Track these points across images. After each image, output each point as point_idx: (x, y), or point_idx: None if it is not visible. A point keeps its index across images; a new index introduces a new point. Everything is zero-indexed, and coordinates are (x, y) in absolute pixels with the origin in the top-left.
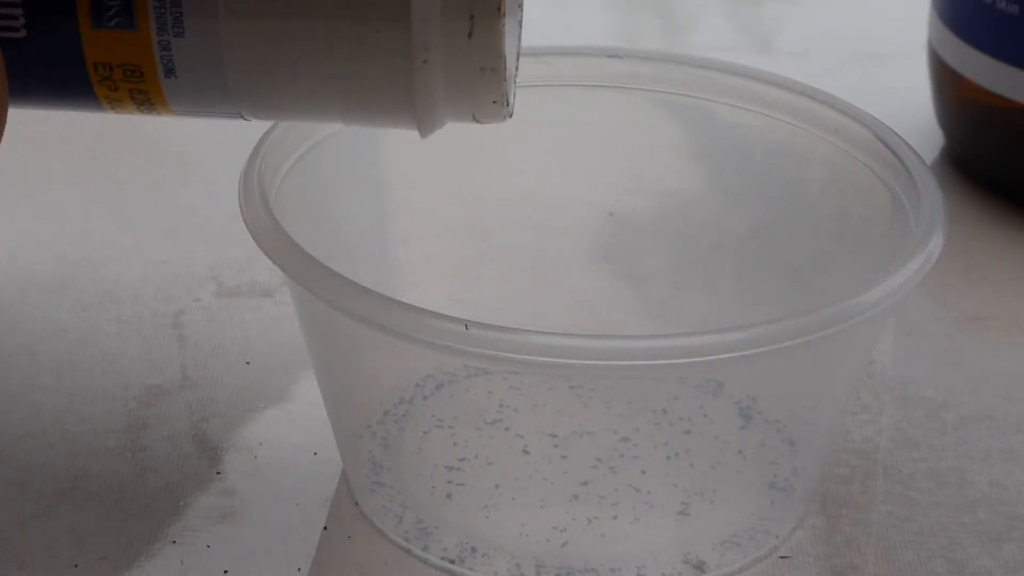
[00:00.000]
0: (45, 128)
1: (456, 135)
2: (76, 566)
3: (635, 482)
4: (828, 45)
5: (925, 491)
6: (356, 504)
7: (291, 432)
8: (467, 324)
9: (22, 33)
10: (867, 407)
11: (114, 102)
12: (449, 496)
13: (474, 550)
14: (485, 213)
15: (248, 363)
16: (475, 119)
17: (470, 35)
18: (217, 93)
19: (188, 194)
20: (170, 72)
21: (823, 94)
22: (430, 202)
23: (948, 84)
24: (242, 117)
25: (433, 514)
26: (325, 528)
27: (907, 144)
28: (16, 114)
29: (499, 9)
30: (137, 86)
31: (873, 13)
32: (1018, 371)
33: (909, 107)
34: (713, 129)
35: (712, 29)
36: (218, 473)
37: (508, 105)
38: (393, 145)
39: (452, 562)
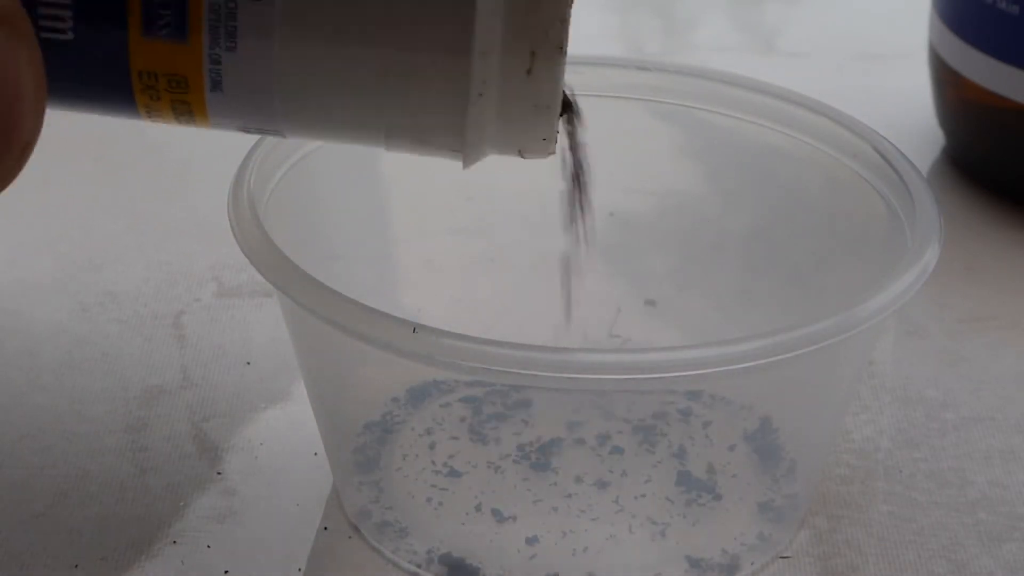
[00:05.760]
0: (46, 129)
1: None
2: (76, 566)
3: (620, 499)
4: (829, 45)
5: (925, 491)
6: (339, 503)
7: (291, 432)
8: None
9: (68, 36)
10: (867, 407)
11: (153, 111)
12: (430, 500)
13: (441, 555)
14: (485, 213)
15: (248, 363)
16: (520, 154)
17: (529, 72)
18: (262, 110)
19: (189, 195)
20: (216, 86)
21: (824, 106)
22: (430, 203)
23: (948, 84)
24: (280, 134)
25: (411, 517)
26: (325, 528)
27: (904, 156)
28: None
29: (561, 48)
30: (180, 97)
31: (873, 13)
32: (1018, 371)
33: (909, 107)
34: (712, 133)
35: (713, 29)
36: (218, 473)
37: (555, 142)
38: None
39: (419, 567)
